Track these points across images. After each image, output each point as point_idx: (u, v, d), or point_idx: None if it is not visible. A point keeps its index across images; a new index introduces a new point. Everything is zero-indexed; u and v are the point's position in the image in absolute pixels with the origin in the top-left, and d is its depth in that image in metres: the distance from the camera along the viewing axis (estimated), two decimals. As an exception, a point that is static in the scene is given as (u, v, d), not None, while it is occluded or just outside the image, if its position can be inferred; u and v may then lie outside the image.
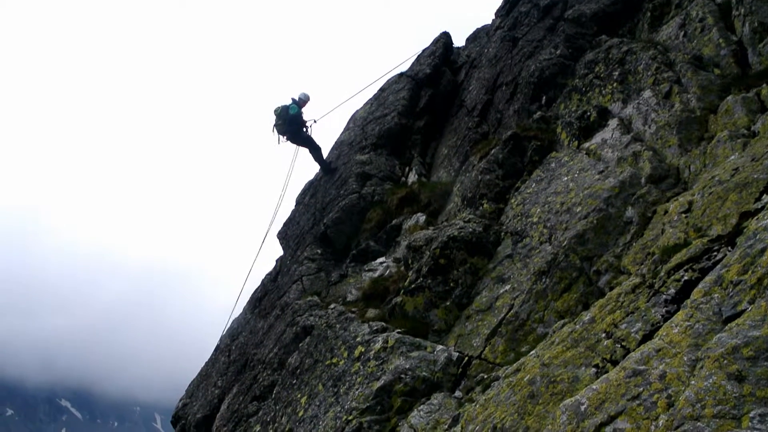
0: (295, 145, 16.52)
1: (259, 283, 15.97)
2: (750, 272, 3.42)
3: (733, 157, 5.88)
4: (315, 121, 16.25)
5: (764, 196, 4.70)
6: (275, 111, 15.66)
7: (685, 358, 3.23)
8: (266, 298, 14.11)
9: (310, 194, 16.36)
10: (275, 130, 15.79)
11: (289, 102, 15.74)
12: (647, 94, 7.77)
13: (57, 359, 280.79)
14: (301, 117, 15.81)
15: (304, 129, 15.90)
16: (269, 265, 16.34)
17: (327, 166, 16.15)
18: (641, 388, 3.26)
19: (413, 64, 16.70)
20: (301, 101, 15.79)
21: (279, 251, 16.37)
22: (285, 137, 15.89)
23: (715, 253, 4.36)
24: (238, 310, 15.75)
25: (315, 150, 16.12)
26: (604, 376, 3.66)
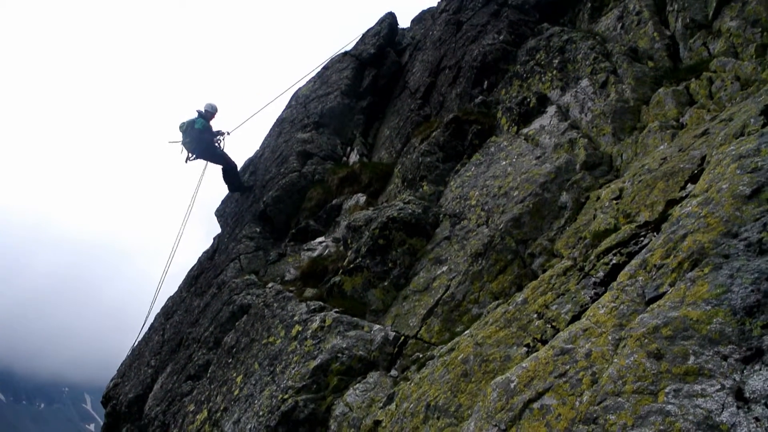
0: (205, 162, 15.05)
1: (195, 261, 15.69)
2: (672, 257, 3.58)
3: (662, 147, 6.12)
4: (228, 133, 14.91)
5: (689, 185, 4.91)
6: (180, 127, 14.21)
7: (610, 338, 3.38)
8: (203, 277, 13.88)
9: (249, 171, 16.12)
10: (183, 147, 14.30)
11: (194, 115, 14.29)
12: (585, 83, 7.97)
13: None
14: (210, 131, 14.39)
15: (216, 144, 14.52)
16: (206, 244, 16.03)
17: (241, 185, 14.98)
18: (568, 366, 3.39)
19: (357, 43, 16.61)
20: (208, 113, 14.40)
21: (214, 229, 16.03)
22: (194, 155, 14.39)
23: (642, 239, 4.54)
24: (164, 291, 15.39)
25: (229, 167, 14.71)
26: (534, 354, 3.78)
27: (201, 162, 15.06)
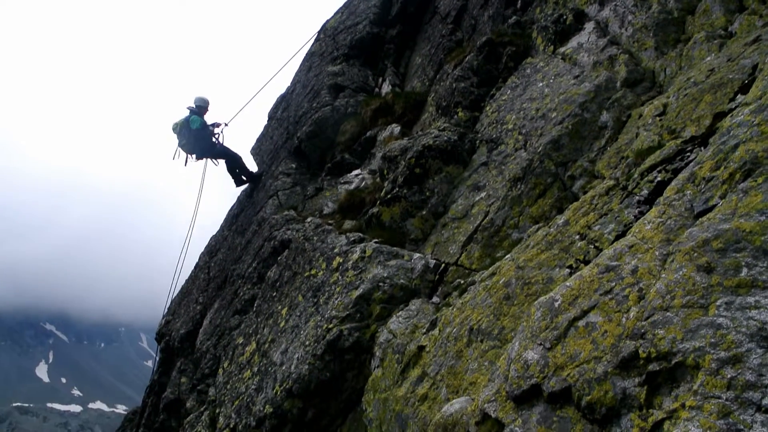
0: (205, 160, 14.07)
1: (234, 201, 15.91)
2: (722, 168, 3.44)
3: (709, 58, 5.82)
4: (226, 125, 14.12)
5: (739, 96, 4.68)
6: (174, 129, 13.29)
7: (657, 253, 3.30)
8: (243, 215, 14.10)
9: (282, 108, 16.04)
10: (180, 150, 13.46)
11: (186, 114, 13.42)
12: (625, -6, 7.57)
13: (29, 284, 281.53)
14: (207, 127, 13.57)
15: (215, 139, 13.75)
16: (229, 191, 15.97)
17: (251, 175, 14.30)
18: (613, 283, 3.34)
19: (384, -31, 16.04)
20: (201, 109, 13.51)
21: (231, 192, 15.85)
22: (194, 156, 13.58)
23: (689, 154, 4.38)
24: (194, 238, 15.43)
25: (234, 160, 13.99)
26: (578, 273, 3.74)
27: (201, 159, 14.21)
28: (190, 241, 15.06)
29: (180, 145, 13.39)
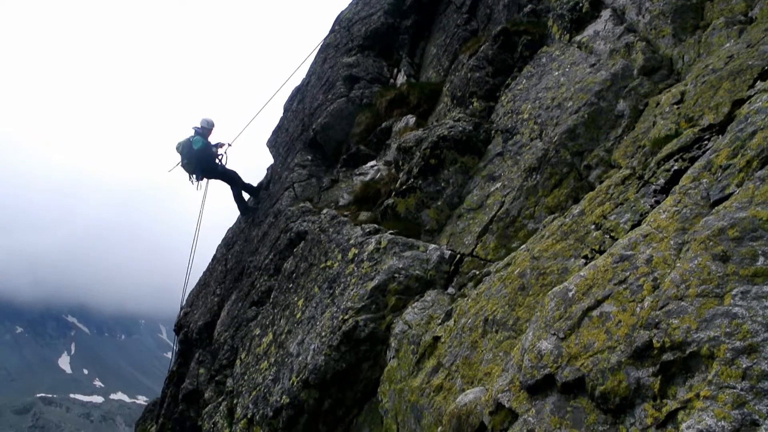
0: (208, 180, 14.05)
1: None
2: (739, 156, 3.39)
3: (728, 44, 5.73)
4: (230, 145, 14.13)
5: (758, 82, 4.61)
6: (177, 148, 13.36)
7: (672, 242, 3.27)
8: (259, 207, 14.16)
9: (297, 100, 16.07)
10: (183, 169, 13.52)
11: (191, 133, 13.49)
12: (642, -19, 7.47)
13: (49, 277, 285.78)
14: (210, 148, 13.59)
15: (218, 160, 13.76)
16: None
17: (254, 189, 14.37)
18: (628, 273, 3.32)
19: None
20: (205, 130, 13.62)
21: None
22: (194, 177, 13.52)
23: (706, 142, 4.32)
24: (210, 230, 15.38)
25: (234, 183, 13.95)
26: (592, 263, 3.71)
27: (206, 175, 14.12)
28: (201, 236, 15.15)
29: (182, 164, 13.49)
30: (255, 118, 15.19)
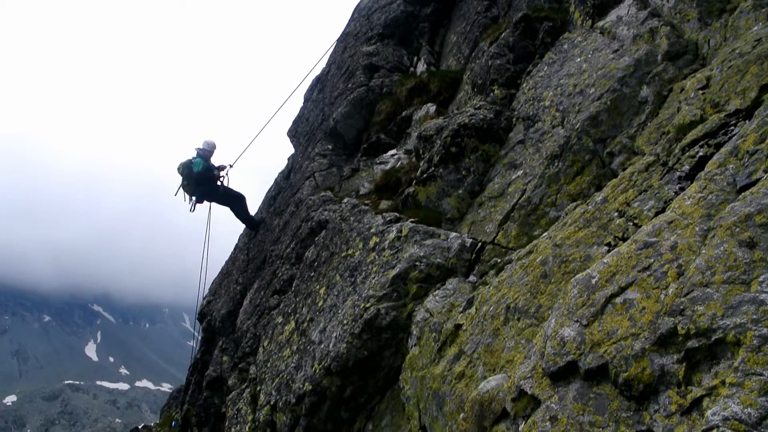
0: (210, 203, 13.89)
1: (272, 183, 16.09)
2: (767, 141, 3.34)
3: (756, 27, 5.61)
4: (231, 166, 13.87)
5: (786, 66, 4.53)
6: (178, 170, 13.15)
7: (697, 229, 3.23)
8: (280, 196, 14.25)
9: (317, 89, 16.09)
10: (183, 191, 13.31)
11: (193, 155, 13.31)
12: (666, -36, 7.34)
13: (73, 266, 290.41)
14: (211, 170, 13.37)
15: (219, 183, 13.57)
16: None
17: (251, 221, 14.27)
18: (652, 259, 3.29)
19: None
20: (206, 152, 13.44)
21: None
22: (194, 199, 13.32)
23: (732, 128, 4.25)
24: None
25: (236, 204, 13.81)
26: (615, 250, 3.69)
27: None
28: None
29: (182, 185, 13.37)
30: (266, 126, 15.09)
